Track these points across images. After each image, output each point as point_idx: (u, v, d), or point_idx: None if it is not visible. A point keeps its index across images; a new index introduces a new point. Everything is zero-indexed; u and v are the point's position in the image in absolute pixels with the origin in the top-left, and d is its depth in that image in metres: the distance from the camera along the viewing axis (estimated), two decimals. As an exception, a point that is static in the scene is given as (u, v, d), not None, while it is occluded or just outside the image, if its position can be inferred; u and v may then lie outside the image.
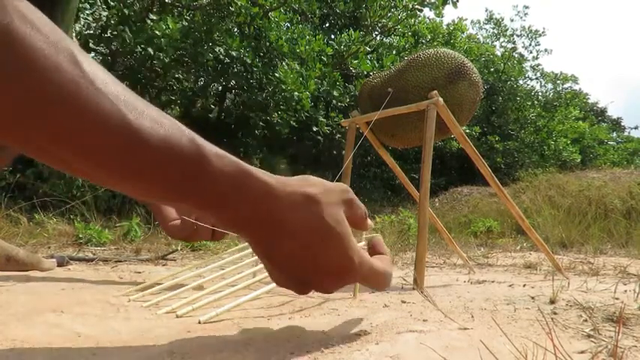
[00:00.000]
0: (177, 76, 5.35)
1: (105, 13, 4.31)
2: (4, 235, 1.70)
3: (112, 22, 4.27)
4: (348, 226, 0.41)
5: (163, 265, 1.39)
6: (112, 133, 0.30)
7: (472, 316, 0.61)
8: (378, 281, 0.45)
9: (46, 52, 0.28)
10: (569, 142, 10.82)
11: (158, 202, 0.38)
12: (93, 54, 4.87)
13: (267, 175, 0.39)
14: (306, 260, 0.40)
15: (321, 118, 5.98)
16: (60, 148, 0.30)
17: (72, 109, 0.29)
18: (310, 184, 0.41)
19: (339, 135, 6.78)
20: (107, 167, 0.32)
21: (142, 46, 4.25)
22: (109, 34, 4.26)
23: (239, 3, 4.69)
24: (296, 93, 5.02)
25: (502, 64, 10.39)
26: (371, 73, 4.51)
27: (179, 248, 1.72)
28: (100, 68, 0.31)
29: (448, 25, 10.24)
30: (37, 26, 0.28)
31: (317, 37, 5.64)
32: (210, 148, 0.36)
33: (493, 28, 12.65)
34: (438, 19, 9.53)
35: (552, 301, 0.73)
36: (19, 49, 0.27)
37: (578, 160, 10.24)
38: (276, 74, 5.00)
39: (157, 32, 4.16)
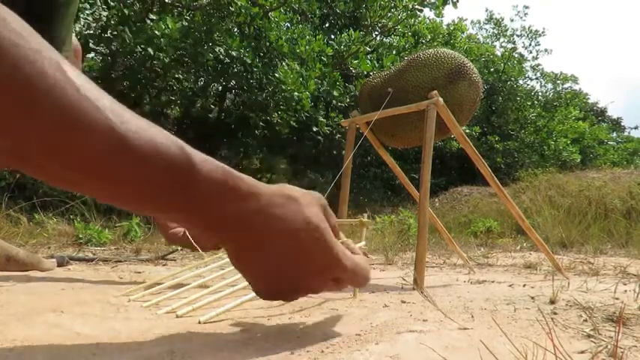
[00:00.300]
0: (177, 76, 5.36)
1: (105, 13, 4.31)
2: (4, 235, 1.70)
3: (112, 22, 4.27)
4: (328, 225, 0.43)
5: (163, 265, 1.39)
6: (98, 138, 0.31)
7: (472, 316, 0.61)
8: (358, 275, 0.46)
9: (30, 58, 0.28)
10: (569, 142, 10.82)
11: (149, 214, 0.39)
12: (93, 54, 4.88)
13: (252, 180, 0.40)
14: (294, 266, 0.41)
15: (321, 118, 5.98)
16: (47, 155, 0.30)
17: (58, 114, 0.29)
18: (289, 188, 0.43)
19: (339, 135, 6.78)
20: (94, 175, 0.32)
21: (142, 46, 4.25)
22: (109, 34, 4.26)
23: (239, 3, 4.69)
24: (296, 93, 5.02)
25: (502, 64, 10.40)
26: (371, 73, 4.51)
27: (179, 248, 1.72)
28: (83, 76, 0.31)
29: (448, 25, 10.25)
30: (21, 34, 0.28)
31: (317, 37, 5.64)
32: (198, 154, 0.36)
33: (493, 28, 12.67)
34: (438, 19, 9.53)
35: (552, 301, 0.73)
36: (3, 54, 0.27)
37: (578, 160, 10.24)
38: (276, 74, 5.01)
39: (156, 32, 4.16)
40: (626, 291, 0.86)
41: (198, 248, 0.86)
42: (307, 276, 0.42)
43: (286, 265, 0.41)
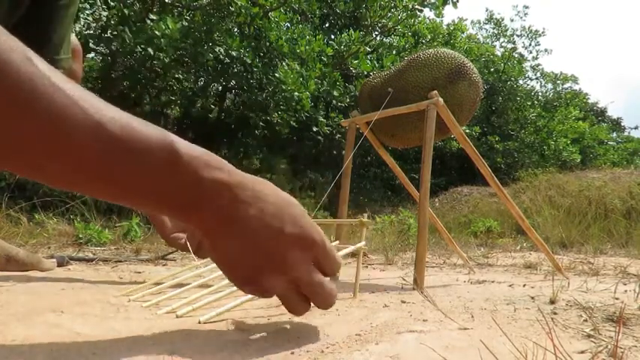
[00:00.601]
0: (177, 76, 5.35)
1: (105, 13, 4.31)
2: (4, 235, 1.70)
3: (112, 22, 4.27)
4: None
5: (163, 265, 1.39)
6: (73, 127, 0.31)
7: (472, 316, 0.61)
8: (334, 259, 0.46)
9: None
10: (569, 142, 10.82)
11: (134, 207, 0.39)
12: (93, 54, 4.88)
13: (227, 163, 0.41)
14: (277, 239, 0.41)
15: (321, 118, 5.98)
16: (26, 149, 0.30)
17: (29, 104, 0.29)
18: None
19: (339, 135, 6.78)
20: (73, 166, 0.32)
21: (142, 46, 4.25)
22: (109, 34, 4.25)
23: (239, 3, 4.69)
24: (296, 93, 5.03)
25: (502, 64, 10.40)
26: (371, 73, 4.51)
27: (179, 248, 1.72)
28: (52, 68, 0.31)
29: (448, 25, 10.25)
30: None
31: (317, 37, 5.64)
32: (178, 138, 0.37)
33: (493, 28, 12.67)
34: (438, 19, 9.54)
35: (552, 301, 0.73)
36: None
37: (578, 160, 10.24)
38: (276, 74, 5.01)
39: (156, 32, 4.16)
40: (626, 291, 0.86)
41: (195, 257, 0.87)
42: (291, 251, 0.42)
43: (269, 238, 0.40)
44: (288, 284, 0.43)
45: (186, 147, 0.37)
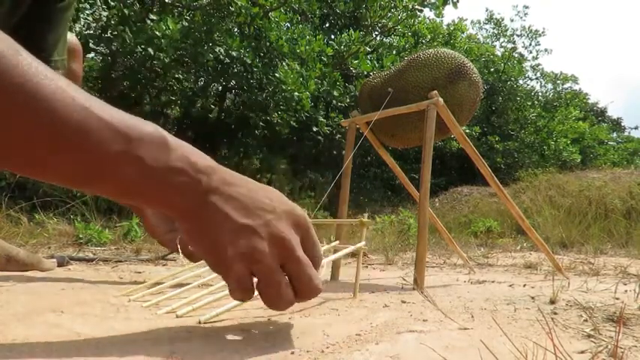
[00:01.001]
0: (177, 76, 5.35)
1: (105, 13, 4.31)
2: (4, 235, 1.70)
3: (112, 22, 4.27)
4: None
5: (163, 265, 1.39)
6: (61, 111, 0.31)
7: (472, 316, 0.61)
8: (319, 246, 0.46)
9: None
10: (569, 142, 10.82)
11: (131, 200, 0.39)
12: (93, 54, 4.88)
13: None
14: (262, 208, 0.41)
15: (321, 119, 5.98)
16: (22, 142, 0.31)
17: (16, 88, 0.29)
18: None
19: (339, 135, 6.78)
20: (65, 152, 0.32)
21: (142, 46, 4.25)
22: (109, 34, 4.26)
23: (239, 3, 4.69)
24: (296, 93, 5.03)
25: (502, 64, 10.40)
26: (371, 73, 4.50)
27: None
28: (40, 61, 0.32)
29: (448, 25, 10.26)
30: None
31: (317, 37, 5.64)
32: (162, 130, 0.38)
33: (493, 28, 12.67)
34: (438, 20, 9.54)
35: (552, 301, 0.73)
36: None
37: (578, 160, 10.24)
38: (277, 74, 5.00)
39: (157, 32, 4.16)
40: (626, 291, 0.86)
41: (186, 257, 0.86)
42: (282, 222, 0.42)
43: (259, 208, 0.41)
44: (277, 259, 0.41)
45: (175, 139, 0.39)
